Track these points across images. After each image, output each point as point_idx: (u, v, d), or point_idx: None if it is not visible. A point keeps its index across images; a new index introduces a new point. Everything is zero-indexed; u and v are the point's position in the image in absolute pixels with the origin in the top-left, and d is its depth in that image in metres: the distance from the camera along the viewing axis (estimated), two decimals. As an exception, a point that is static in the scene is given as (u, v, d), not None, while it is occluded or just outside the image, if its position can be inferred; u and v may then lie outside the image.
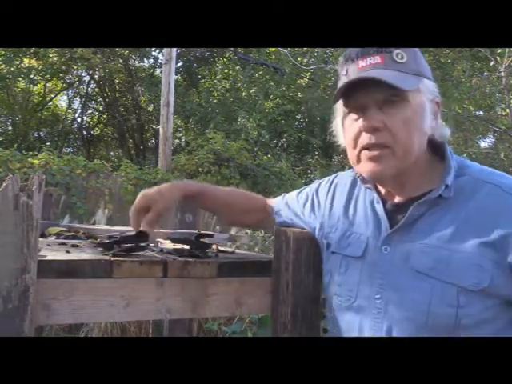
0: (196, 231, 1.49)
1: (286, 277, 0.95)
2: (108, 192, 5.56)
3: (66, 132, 12.95)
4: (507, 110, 8.41)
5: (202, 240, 1.07)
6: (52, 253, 0.87)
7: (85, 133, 13.39)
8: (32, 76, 10.47)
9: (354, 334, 0.87)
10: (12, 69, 10.16)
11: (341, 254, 0.93)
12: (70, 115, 13.39)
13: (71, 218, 3.49)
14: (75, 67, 10.89)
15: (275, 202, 1.15)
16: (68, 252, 0.91)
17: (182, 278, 0.89)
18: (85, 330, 2.72)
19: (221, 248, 1.19)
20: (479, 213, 0.80)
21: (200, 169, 6.61)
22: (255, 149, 7.88)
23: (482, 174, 0.84)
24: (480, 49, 7.99)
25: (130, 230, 1.06)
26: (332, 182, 1.06)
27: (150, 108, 11.84)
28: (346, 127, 0.88)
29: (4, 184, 0.71)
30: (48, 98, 12.66)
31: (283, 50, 9.83)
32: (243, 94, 10.08)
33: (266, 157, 7.90)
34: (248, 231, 3.55)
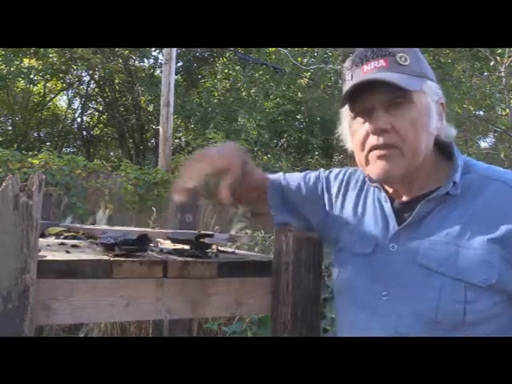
0: (196, 231, 1.49)
1: (286, 277, 0.95)
2: (108, 192, 5.56)
3: (65, 132, 12.95)
4: (507, 110, 8.41)
5: (202, 240, 1.07)
6: (52, 253, 0.87)
7: (85, 133, 13.40)
8: (32, 76, 10.48)
9: (360, 331, 0.88)
10: (12, 69, 10.16)
11: (349, 251, 0.94)
12: (69, 115, 13.40)
13: (72, 218, 3.49)
14: (75, 67, 10.89)
15: (274, 180, 1.07)
16: (68, 252, 0.91)
17: (181, 278, 0.89)
18: (85, 330, 2.72)
19: (221, 248, 1.19)
20: (487, 209, 0.81)
21: (200, 169, 6.61)
22: (255, 149, 7.88)
23: (488, 172, 0.86)
24: (480, 49, 7.98)
25: (129, 230, 1.06)
26: (344, 176, 1.05)
27: (150, 108, 11.84)
28: (353, 131, 0.89)
29: (4, 184, 0.71)
30: (48, 98, 12.66)
31: (283, 50, 9.83)
32: (243, 93, 10.08)
33: (266, 157, 7.91)
34: (248, 231, 3.55)
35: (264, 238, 3.74)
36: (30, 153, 5.43)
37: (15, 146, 6.56)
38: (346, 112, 0.92)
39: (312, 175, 1.08)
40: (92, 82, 12.47)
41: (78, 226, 1.51)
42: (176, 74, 8.61)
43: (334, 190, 1.03)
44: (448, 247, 0.81)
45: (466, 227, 0.81)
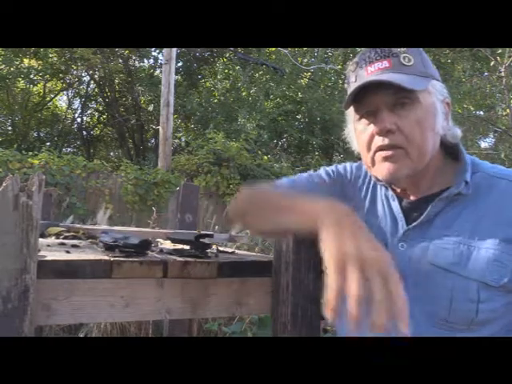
0: (196, 231, 1.49)
1: (286, 277, 0.95)
2: (108, 192, 5.56)
3: (65, 132, 12.96)
4: (507, 110, 8.41)
5: (201, 240, 1.07)
6: (52, 253, 0.87)
7: (85, 133, 13.41)
8: (32, 76, 10.48)
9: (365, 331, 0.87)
10: (12, 69, 10.16)
11: None
12: (69, 115, 13.40)
13: (72, 218, 3.49)
14: (75, 67, 10.89)
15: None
16: (68, 252, 0.91)
17: (181, 278, 0.89)
18: (84, 331, 2.72)
19: (221, 248, 1.19)
20: (497, 208, 0.81)
21: (200, 169, 6.62)
22: (255, 149, 7.88)
23: (495, 171, 0.86)
24: (480, 49, 7.99)
25: (129, 230, 1.06)
26: (354, 171, 1.03)
27: (150, 108, 11.85)
28: (358, 132, 0.89)
29: (4, 184, 0.71)
30: (48, 98, 12.67)
31: (283, 50, 9.83)
32: (243, 93, 10.09)
33: (266, 157, 7.91)
34: (248, 231, 3.54)
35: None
36: (30, 153, 5.43)
37: (15, 146, 6.55)
38: (351, 114, 0.92)
39: (322, 173, 1.03)
40: (92, 82, 12.48)
41: (77, 226, 1.51)
42: (176, 74, 8.62)
43: (349, 185, 1.01)
44: (460, 246, 0.80)
45: (477, 226, 0.81)
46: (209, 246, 1.07)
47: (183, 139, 8.81)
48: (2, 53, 9.88)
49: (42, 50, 10.09)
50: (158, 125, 6.96)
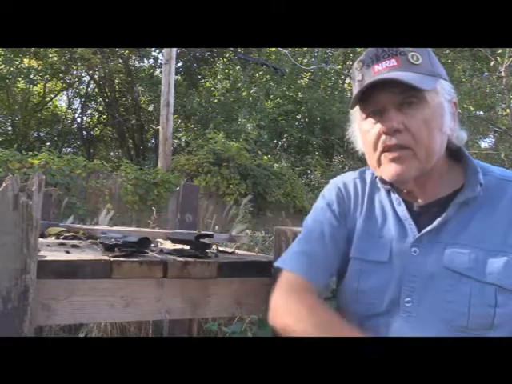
0: (196, 231, 1.49)
1: (286, 277, 0.95)
2: (108, 192, 5.56)
3: (65, 132, 12.96)
4: (507, 110, 8.41)
5: (202, 240, 1.07)
6: (52, 253, 0.87)
7: (85, 133, 13.41)
8: (32, 76, 10.48)
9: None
10: (12, 69, 10.16)
11: (362, 260, 0.89)
12: (69, 115, 13.40)
13: (72, 218, 3.49)
14: (75, 67, 10.89)
15: None
16: (68, 252, 0.91)
17: (181, 278, 0.89)
18: (84, 331, 2.72)
19: (221, 248, 1.19)
20: (510, 212, 0.81)
21: (200, 169, 6.61)
22: (255, 149, 7.88)
23: (504, 174, 0.86)
24: (480, 49, 7.99)
25: (129, 230, 1.06)
26: (343, 187, 0.99)
27: (150, 108, 11.85)
28: (364, 132, 0.87)
29: (4, 184, 0.71)
30: (48, 98, 12.67)
31: (283, 50, 9.83)
32: (243, 93, 10.08)
33: (266, 157, 7.91)
34: (248, 231, 3.55)
35: (264, 238, 3.73)
36: (30, 153, 5.42)
37: (15, 146, 6.54)
38: (356, 113, 0.90)
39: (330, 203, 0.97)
40: (92, 82, 12.47)
41: (78, 226, 1.51)
42: (176, 74, 8.61)
43: (337, 210, 0.96)
44: (475, 250, 0.79)
45: (491, 230, 0.80)
46: (209, 245, 1.07)
47: (183, 139, 8.81)
48: (2, 53, 9.87)
49: (41, 49, 10.09)
50: (158, 125, 6.95)
